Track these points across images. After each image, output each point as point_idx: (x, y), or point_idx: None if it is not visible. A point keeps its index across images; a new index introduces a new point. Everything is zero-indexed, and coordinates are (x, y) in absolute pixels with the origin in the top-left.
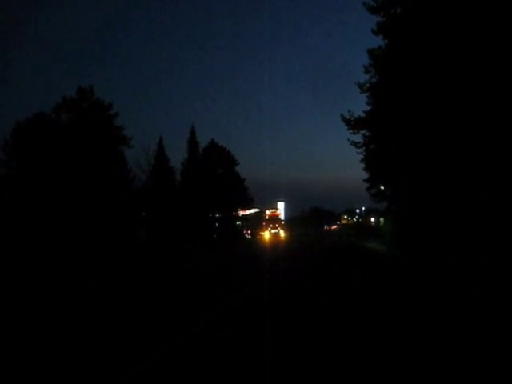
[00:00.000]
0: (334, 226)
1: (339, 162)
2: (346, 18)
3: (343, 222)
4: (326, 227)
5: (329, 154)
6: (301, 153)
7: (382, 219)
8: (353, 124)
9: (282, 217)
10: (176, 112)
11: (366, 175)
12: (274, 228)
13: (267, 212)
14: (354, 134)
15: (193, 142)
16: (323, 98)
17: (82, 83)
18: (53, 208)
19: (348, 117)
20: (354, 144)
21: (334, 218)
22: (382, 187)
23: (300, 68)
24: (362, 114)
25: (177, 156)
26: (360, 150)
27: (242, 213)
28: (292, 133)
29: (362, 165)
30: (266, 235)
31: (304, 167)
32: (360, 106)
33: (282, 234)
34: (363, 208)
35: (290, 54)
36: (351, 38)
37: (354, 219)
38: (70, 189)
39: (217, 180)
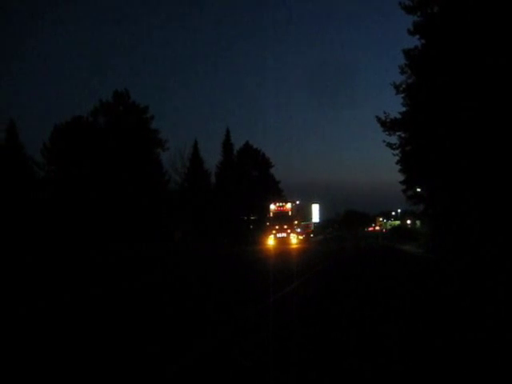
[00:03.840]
0: (370, 228)
1: (375, 164)
2: (379, 19)
3: (378, 224)
4: (361, 229)
5: (364, 156)
6: (336, 154)
7: (418, 222)
8: (388, 125)
9: (290, 212)
10: (211, 115)
11: (401, 177)
12: (282, 230)
13: (271, 207)
14: (390, 135)
15: (227, 144)
16: (359, 99)
17: (118, 87)
18: (89, 209)
19: (383, 118)
20: (390, 145)
21: (369, 220)
22: (419, 189)
23: (334, 71)
24: (398, 116)
25: (212, 158)
26: (396, 152)
27: None
28: (327, 134)
29: (398, 166)
30: (270, 241)
31: (339, 169)
32: (396, 107)
33: (295, 239)
34: (399, 210)
35: (323, 57)
36: (386, 39)
37: (390, 222)
38: (107, 191)
39: (251, 182)
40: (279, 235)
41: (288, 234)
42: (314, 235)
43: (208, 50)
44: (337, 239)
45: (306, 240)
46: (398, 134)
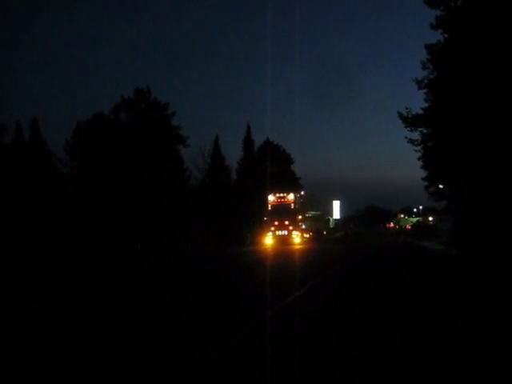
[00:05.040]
0: (391, 225)
1: (396, 160)
2: (401, 13)
3: (393, 222)
4: (381, 225)
5: (385, 152)
6: (358, 151)
7: (439, 219)
8: (410, 121)
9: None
10: (232, 111)
11: (423, 173)
12: (282, 227)
13: (269, 198)
14: (412, 131)
15: (248, 140)
16: (381, 95)
17: (139, 84)
18: (111, 205)
19: (405, 114)
20: (412, 142)
21: (390, 216)
22: (441, 186)
23: (356, 66)
24: (420, 111)
25: (233, 155)
26: (418, 148)
27: None
28: (349, 130)
29: (420, 163)
30: (268, 240)
31: (361, 165)
32: (417, 102)
33: (298, 237)
34: (420, 207)
35: (345, 52)
36: (408, 33)
37: (412, 218)
38: (129, 187)
39: (272, 178)
40: (279, 233)
41: (290, 232)
42: (334, 232)
43: (227, 46)
44: (353, 237)
45: (317, 238)
46: (420, 129)
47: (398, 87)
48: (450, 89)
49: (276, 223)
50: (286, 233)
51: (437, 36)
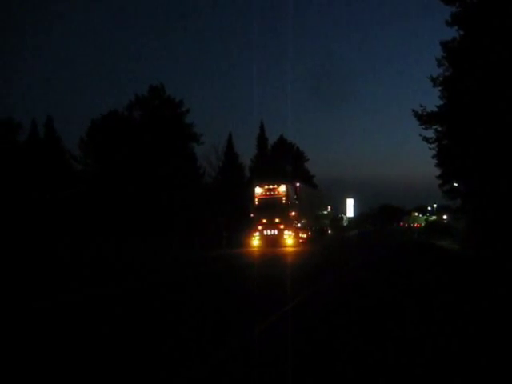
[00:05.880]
0: (401, 224)
1: (410, 159)
2: (416, 10)
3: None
4: (395, 224)
5: (400, 150)
6: (372, 148)
7: (454, 217)
8: (425, 119)
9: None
10: (245, 109)
11: (438, 171)
12: (271, 226)
13: (256, 190)
14: (426, 129)
15: (262, 138)
16: (394, 92)
17: (153, 81)
18: (125, 202)
19: (420, 112)
20: (426, 139)
21: (404, 215)
22: (456, 184)
23: (368, 63)
24: (435, 109)
25: (246, 152)
26: (432, 146)
27: None
28: (362, 128)
29: (435, 161)
30: (254, 242)
31: (374, 163)
32: (433, 100)
33: (290, 239)
34: (435, 205)
35: (358, 49)
36: (423, 31)
37: (423, 217)
38: (143, 184)
39: (286, 176)
40: (267, 232)
41: (280, 231)
42: (348, 231)
43: (241, 44)
44: (362, 237)
45: (318, 239)
46: (434, 127)
47: (412, 85)
48: (466, 86)
49: (264, 221)
50: (275, 232)
51: (452, 33)
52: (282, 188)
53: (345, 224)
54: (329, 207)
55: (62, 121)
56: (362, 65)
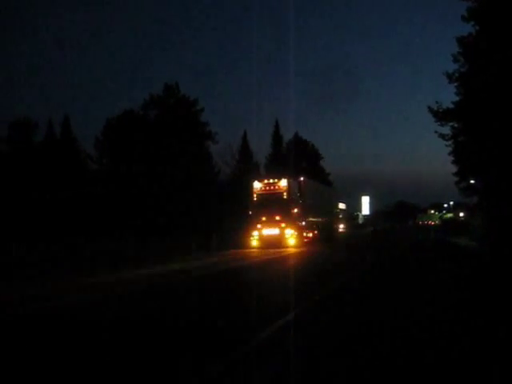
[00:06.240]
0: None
1: (426, 156)
2: (432, 5)
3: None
4: (410, 222)
5: (416, 148)
6: (387, 146)
7: (471, 214)
8: (441, 115)
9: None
10: (260, 107)
11: (454, 168)
12: (271, 224)
13: (255, 185)
14: (442, 125)
15: (277, 136)
16: (409, 88)
17: (167, 80)
18: (140, 201)
19: (435, 108)
20: (442, 136)
21: (420, 212)
22: (472, 181)
23: (383, 60)
24: (451, 105)
25: (261, 151)
26: (448, 143)
27: None
28: (377, 126)
29: (451, 158)
30: (253, 242)
31: (390, 161)
32: (449, 96)
33: (292, 238)
34: (451, 203)
35: (373, 46)
36: (438, 26)
37: (441, 214)
38: (157, 183)
39: (301, 174)
40: (267, 232)
41: (282, 231)
42: (363, 228)
43: (255, 43)
44: (376, 235)
45: (325, 238)
46: (450, 124)
47: (428, 81)
48: (482, 82)
49: (263, 219)
50: (276, 232)
51: (468, 28)
52: (283, 182)
53: (360, 222)
54: (343, 205)
55: (78, 120)
56: (377, 61)
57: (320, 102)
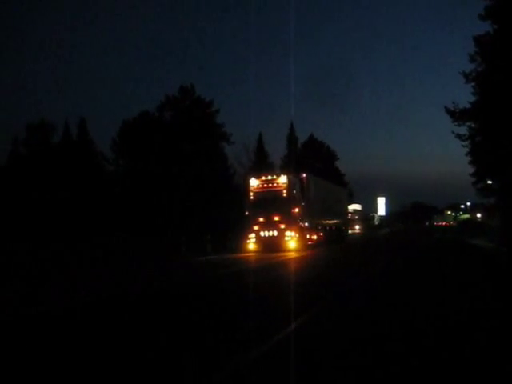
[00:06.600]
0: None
1: (443, 156)
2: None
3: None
4: (427, 223)
5: (431, 148)
6: (403, 146)
7: (488, 215)
8: (457, 116)
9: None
10: (275, 108)
11: (471, 169)
12: (269, 225)
13: (251, 182)
14: (459, 126)
15: (292, 137)
16: (426, 89)
17: (182, 82)
18: (156, 202)
19: (452, 108)
20: (459, 137)
21: (436, 213)
22: (490, 181)
23: (398, 59)
24: (468, 105)
25: (276, 152)
26: (465, 143)
27: None
28: (392, 126)
29: (468, 158)
30: (250, 245)
31: (406, 162)
32: (465, 96)
33: (293, 241)
34: (468, 203)
35: (389, 46)
36: (454, 25)
37: (457, 215)
38: (174, 184)
39: (316, 175)
40: (264, 234)
41: (281, 232)
42: (378, 229)
43: (269, 44)
44: (389, 237)
45: (333, 239)
46: (467, 124)
47: (444, 81)
48: (500, 81)
49: (261, 220)
50: (275, 233)
51: (485, 27)
52: (283, 179)
53: (376, 223)
54: (359, 205)
55: (94, 122)
56: (394, 61)
57: (337, 102)
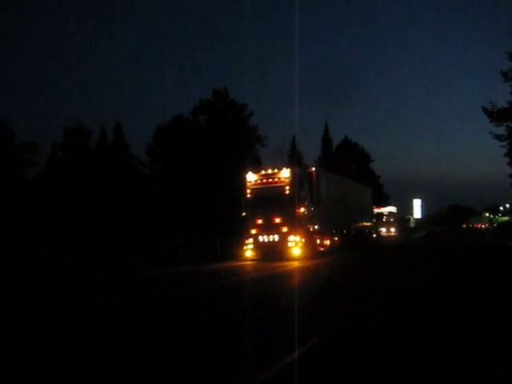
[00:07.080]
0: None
1: (480, 157)
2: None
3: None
4: (464, 225)
5: (469, 149)
6: (440, 147)
7: None
8: (495, 116)
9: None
10: (310, 110)
11: (510, 170)
12: (269, 229)
13: (248, 178)
14: (497, 126)
15: (326, 139)
16: (464, 89)
17: (216, 85)
18: (192, 206)
19: (490, 108)
20: (497, 137)
21: (474, 215)
22: None
23: (435, 59)
24: (506, 105)
25: (311, 154)
26: (504, 144)
27: (376, 210)
28: (429, 127)
29: (506, 159)
30: (247, 253)
31: (443, 163)
32: (504, 96)
33: (297, 248)
34: (507, 205)
35: (425, 47)
36: (493, 24)
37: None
38: (209, 188)
39: (351, 177)
40: (263, 238)
41: (283, 237)
42: (414, 232)
43: (301, 44)
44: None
45: (351, 245)
46: (505, 124)
47: (482, 80)
48: None
49: (259, 222)
50: (276, 238)
51: None
52: (285, 173)
53: (412, 225)
54: (394, 208)
55: (129, 126)
56: (429, 61)
57: (372, 104)
